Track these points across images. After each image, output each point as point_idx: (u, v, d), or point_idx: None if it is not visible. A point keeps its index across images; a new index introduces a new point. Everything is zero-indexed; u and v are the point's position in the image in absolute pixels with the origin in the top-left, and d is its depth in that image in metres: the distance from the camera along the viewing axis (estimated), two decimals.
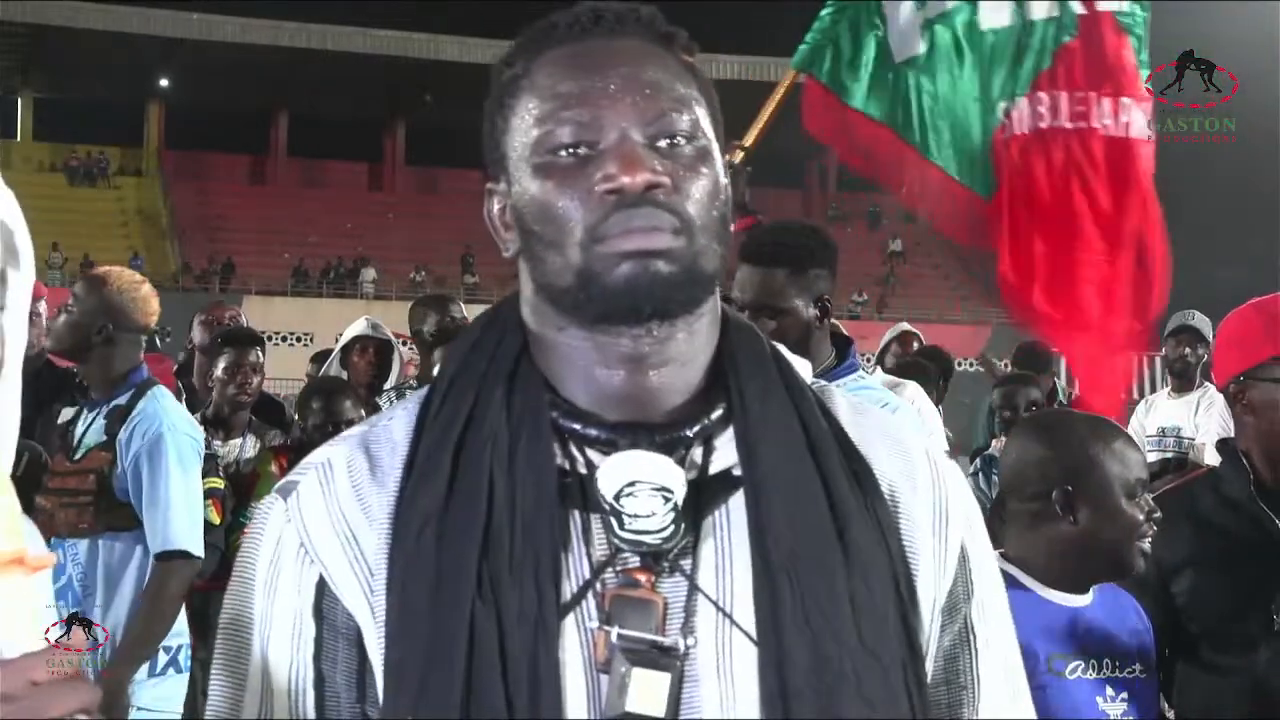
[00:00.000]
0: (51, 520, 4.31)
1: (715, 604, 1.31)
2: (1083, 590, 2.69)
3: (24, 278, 1.33)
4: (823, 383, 1.49)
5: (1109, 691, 2.63)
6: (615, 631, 1.29)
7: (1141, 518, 2.63)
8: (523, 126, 1.37)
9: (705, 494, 1.35)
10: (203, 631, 4.70)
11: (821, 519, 1.34)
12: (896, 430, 1.49)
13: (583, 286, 1.33)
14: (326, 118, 53.91)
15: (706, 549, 1.33)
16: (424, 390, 1.45)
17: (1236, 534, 3.03)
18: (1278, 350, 3.02)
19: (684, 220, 1.31)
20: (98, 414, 4.46)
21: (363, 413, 5.48)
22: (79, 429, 4.48)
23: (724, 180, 1.37)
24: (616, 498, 1.30)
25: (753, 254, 3.60)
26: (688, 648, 1.29)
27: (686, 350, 1.37)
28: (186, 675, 4.47)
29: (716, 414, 1.37)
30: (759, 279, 3.56)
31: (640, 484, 1.30)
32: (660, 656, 1.28)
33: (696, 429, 1.36)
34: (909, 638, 1.36)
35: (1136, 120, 4.12)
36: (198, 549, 4.34)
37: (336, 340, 6.82)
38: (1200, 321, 7.60)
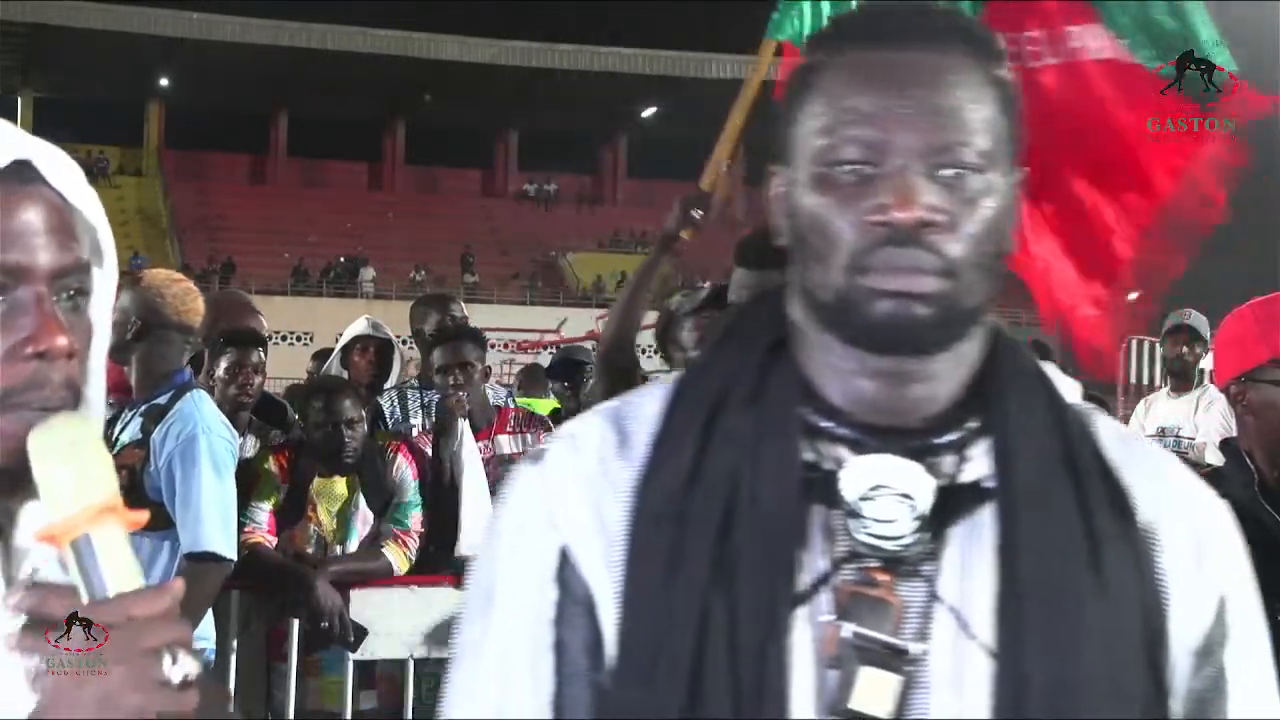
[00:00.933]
0: None
1: (954, 613, 1.29)
2: None
3: (108, 275, 1.40)
4: (1089, 405, 1.44)
5: None
6: (848, 628, 1.27)
7: None
8: (809, 129, 1.33)
9: (954, 502, 1.32)
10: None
11: (1075, 541, 1.30)
12: (1160, 460, 1.43)
13: (841, 311, 1.31)
14: (326, 117, 53.95)
15: (950, 557, 1.31)
16: (683, 370, 1.45)
17: (1240, 534, 3.03)
18: (1275, 353, 3.02)
19: (950, 262, 1.28)
20: (135, 413, 4.46)
21: (363, 412, 5.48)
22: (117, 428, 4.47)
23: (1008, 206, 1.33)
24: (860, 500, 1.29)
25: (748, 257, 3.61)
26: (921, 653, 1.28)
27: (949, 367, 1.34)
28: None
29: (973, 425, 1.35)
30: (754, 281, 3.56)
31: (885, 488, 1.28)
32: (891, 658, 1.27)
33: (951, 438, 1.34)
34: (1155, 675, 1.32)
35: (1088, 43, 4.03)
36: (229, 552, 4.35)
37: (337, 339, 6.82)
38: (1197, 320, 7.60)
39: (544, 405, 6.97)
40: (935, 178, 1.28)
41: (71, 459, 1.24)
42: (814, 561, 1.30)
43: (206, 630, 4.44)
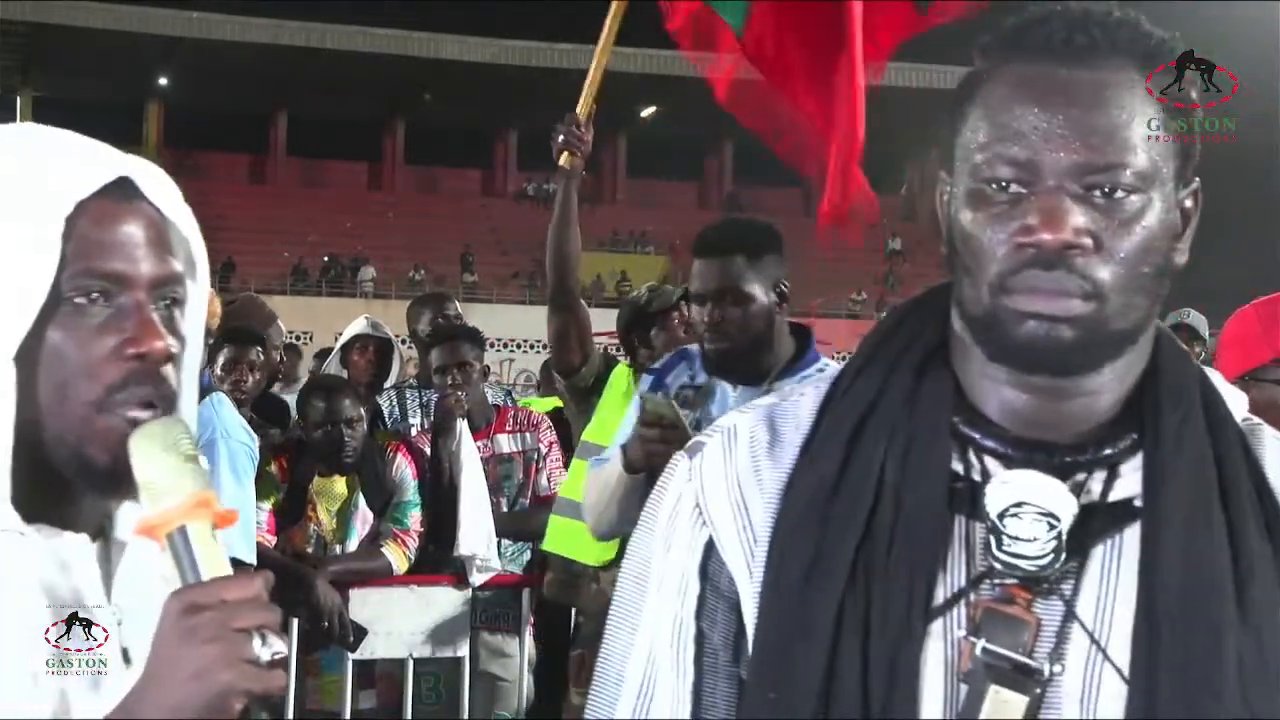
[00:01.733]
0: None
1: (1090, 634, 1.28)
2: None
3: (200, 287, 1.51)
4: (1255, 420, 1.42)
5: None
6: (981, 644, 1.27)
7: None
8: (968, 141, 1.33)
9: (1100, 521, 1.31)
10: None
11: (1220, 567, 1.28)
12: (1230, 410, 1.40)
13: (987, 327, 1.31)
14: (326, 117, 53.86)
15: (1090, 577, 1.30)
16: (837, 369, 1.46)
17: None
18: (1277, 353, 3.02)
19: (1097, 285, 1.27)
20: None
21: (362, 412, 5.47)
22: None
23: (1170, 223, 1.32)
24: (1001, 516, 1.28)
25: (705, 247, 3.67)
26: (1053, 674, 1.27)
27: (1106, 382, 1.33)
28: None
29: (1126, 442, 1.33)
30: (716, 268, 3.61)
31: (1027, 506, 1.27)
32: (1022, 678, 1.26)
33: (1104, 453, 1.33)
34: None
35: None
36: (249, 556, 4.36)
37: (336, 339, 6.82)
38: (1196, 320, 7.60)
39: (543, 404, 6.95)
40: (1087, 199, 1.27)
41: (168, 457, 1.33)
42: (953, 574, 1.30)
43: None
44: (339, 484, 5.40)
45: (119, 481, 1.35)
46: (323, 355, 7.79)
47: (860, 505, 1.31)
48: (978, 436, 1.34)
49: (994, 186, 1.29)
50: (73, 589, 1.39)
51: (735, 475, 1.39)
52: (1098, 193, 1.28)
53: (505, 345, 38.82)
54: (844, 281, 44.06)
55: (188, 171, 51.49)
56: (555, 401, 6.42)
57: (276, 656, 1.28)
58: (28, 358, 1.35)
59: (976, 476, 1.32)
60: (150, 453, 1.33)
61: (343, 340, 6.81)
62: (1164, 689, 1.24)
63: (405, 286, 41.69)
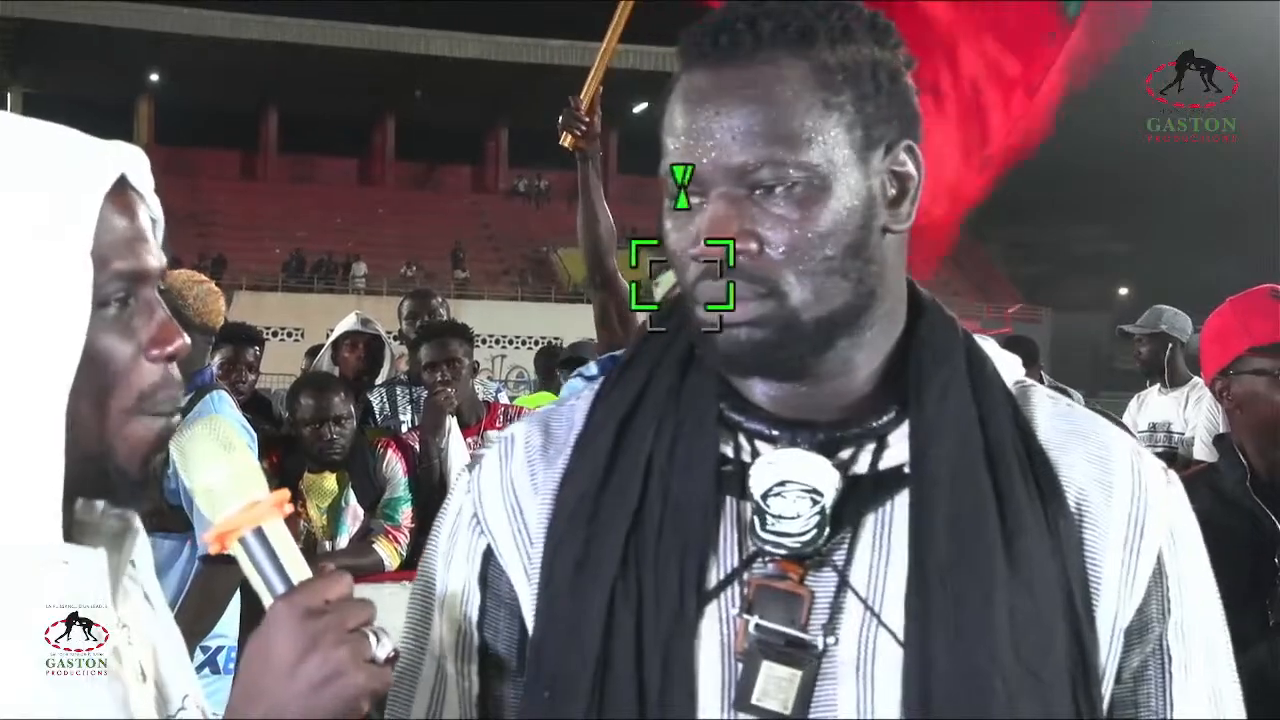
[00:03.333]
0: None
1: (864, 602, 1.29)
2: None
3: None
4: (1028, 381, 1.43)
5: None
6: (754, 621, 1.27)
7: None
8: (664, 152, 1.33)
9: (870, 490, 1.31)
10: None
11: (987, 526, 1.28)
12: (1101, 436, 1.40)
13: (698, 341, 1.33)
14: (316, 113, 53.84)
15: (863, 546, 1.30)
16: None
17: (1230, 529, 3.02)
18: (1254, 341, 3.03)
19: (770, 283, 1.27)
20: None
21: (351, 408, 5.47)
22: None
23: (862, 201, 1.29)
24: (765, 496, 1.29)
25: None
26: (827, 645, 1.27)
27: (850, 362, 1.34)
28: (227, 678, 4.45)
29: (890, 413, 1.34)
30: None
31: (791, 484, 1.28)
32: (795, 652, 1.26)
33: (868, 427, 1.33)
34: (1083, 657, 1.29)
35: None
36: None
37: (327, 335, 6.82)
38: (1151, 317, 7.73)
39: (536, 400, 6.95)
40: (750, 199, 1.27)
41: (226, 459, 1.30)
42: (726, 555, 1.30)
43: (226, 627, 4.43)
44: (329, 480, 5.39)
45: (146, 490, 1.33)
46: (316, 352, 7.79)
47: (629, 495, 1.31)
48: (743, 420, 1.34)
49: (674, 198, 1.30)
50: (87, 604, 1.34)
51: (510, 481, 1.39)
52: (759, 190, 1.27)
53: (497, 342, 38.83)
54: None
55: (178, 168, 51.44)
56: (550, 397, 6.42)
57: (391, 655, 1.27)
58: None
59: (746, 458, 1.33)
60: (204, 457, 1.30)
61: (333, 337, 6.81)
62: (938, 648, 1.24)
63: (396, 283, 41.67)
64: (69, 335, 1.24)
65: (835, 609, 1.28)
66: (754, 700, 1.25)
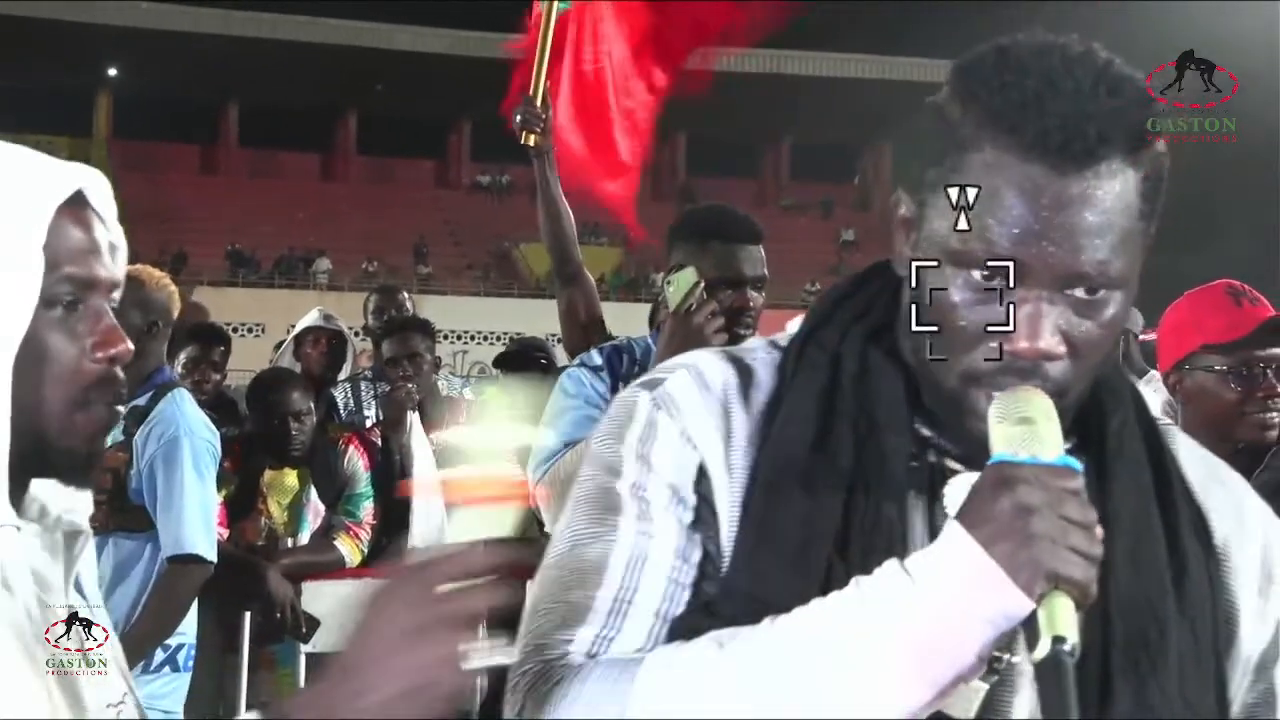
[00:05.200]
0: None
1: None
2: None
3: (118, 291, 1.56)
4: (1166, 422, 1.49)
5: None
6: None
7: None
8: (948, 214, 1.32)
9: None
10: None
11: (1161, 563, 1.34)
12: (1230, 478, 1.49)
13: (951, 406, 1.37)
14: (277, 107, 53.57)
15: None
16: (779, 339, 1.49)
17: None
18: (1206, 338, 3.06)
19: (1064, 385, 1.32)
20: None
21: (311, 404, 5.46)
22: None
23: (1130, 304, 1.35)
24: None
25: (752, 234, 3.64)
26: (1011, 663, 1.30)
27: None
28: (186, 676, 4.44)
29: (1071, 442, 1.35)
30: (758, 254, 3.64)
31: None
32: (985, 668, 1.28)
33: None
34: (1220, 689, 1.37)
35: None
36: (210, 554, 4.33)
37: (289, 331, 6.81)
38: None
39: (493, 395, 6.94)
40: (1067, 299, 1.30)
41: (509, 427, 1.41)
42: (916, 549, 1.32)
43: (186, 626, 4.42)
44: (290, 477, 5.38)
45: (91, 470, 1.47)
46: (278, 348, 7.78)
47: (840, 475, 1.34)
48: (932, 436, 1.37)
49: (976, 273, 1.30)
50: (46, 579, 1.45)
51: (714, 410, 1.40)
52: (1080, 291, 1.30)
53: (459, 337, 38.73)
54: (797, 272, 44.14)
55: (138, 162, 51.13)
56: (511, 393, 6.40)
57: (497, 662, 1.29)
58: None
59: (931, 459, 1.37)
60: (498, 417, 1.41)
61: (295, 332, 6.79)
62: (1116, 683, 1.30)
63: (359, 278, 41.52)
64: (11, 327, 1.38)
65: (1014, 630, 1.29)
66: (946, 709, 1.27)
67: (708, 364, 1.45)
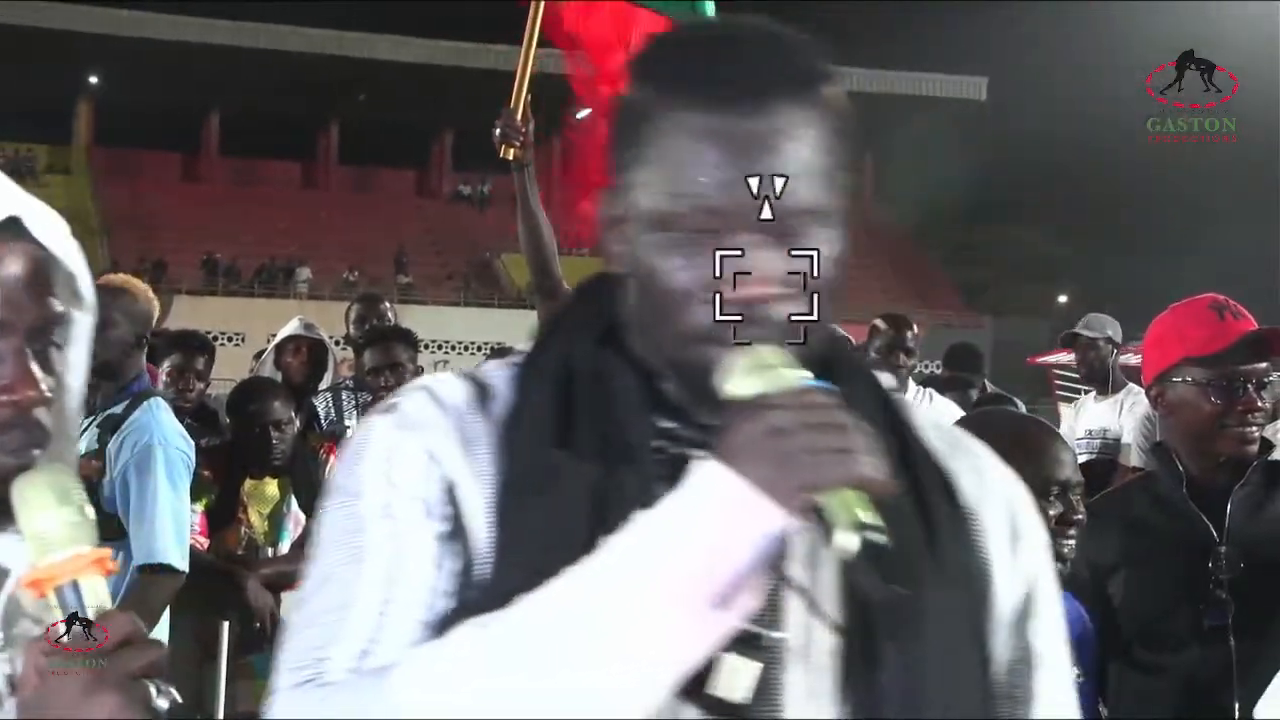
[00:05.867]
0: None
1: (805, 595, 1.34)
2: None
3: (86, 315, 1.53)
4: (900, 394, 1.52)
5: None
6: None
7: (1050, 515, 2.63)
8: (652, 182, 1.35)
9: None
10: None
11: (912, 525, 1.35)
12: (971, 445, 1.52)
13: (689, 373, 1.37)
14: (259, 116, 53.52)
15: (798, 543, 1.34)
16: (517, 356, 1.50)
17: (1167, 534, 3.07)
18: (1188, 351, 3.07)
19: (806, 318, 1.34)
20: (92, 422, 4.43)
21: (292, 413, 5.45)
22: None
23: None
24: None
25: None
26: (776, 638, 1.31)
27: None
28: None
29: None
30: None
31: None
32: (748, 643, 1.29)
33: None
34: (982, 647, 1.41)
35: None
36: (182, 564, 4.32)
37: (270, 340, 6.80)
38: (1094, 323, 7.77)
39: None
40: (782, 243, 1.32)
41: (61, 510, 1.34)
42: None
43: (158, 635, 4.40)
44: (270, 486, 5.37)
45: (3, 512, 1.38)
46: (259, 357, 7.78)
47: (586, 472, 1.34)
48: (674, 427, 1.39)
49: (682, 235, 1.32)
50: None
51: (450, 425, 1.40)
52: (788, 230, 1.32)
53: (440, 347, 38.70)
54: None
55: (119, 170, 51.07)
56: None
57: (172, 704, 1.31)
58: None
59: (674, 450, 1.37)
60: (40, 503, 1.33)
61: (276, 341, 6.79)
62: (881, 643, 1.32)
63: (340, 288, 41.50)
64: None
65: (776, 603, 1.33)
66: (712, 690, 1.28)
67: (442, 383, 1.45)
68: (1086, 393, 7.95)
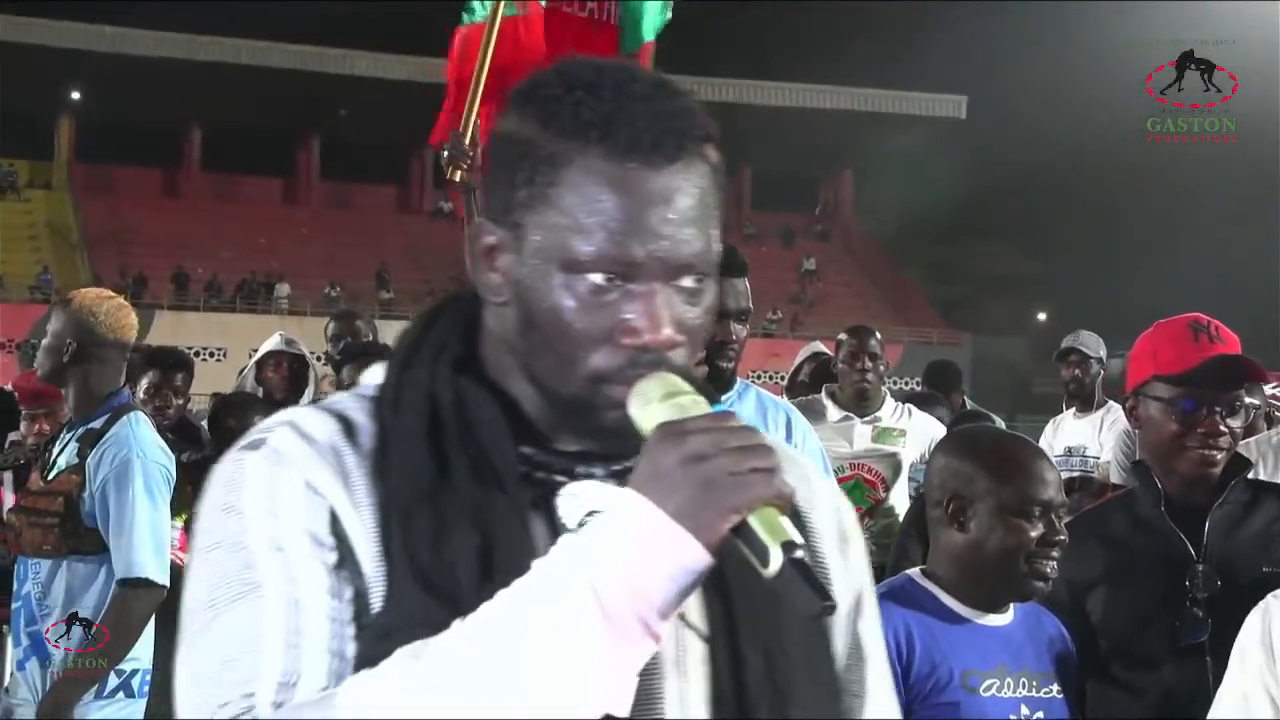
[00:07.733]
0: (18, 538, 4.35)
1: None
2: (998, 608, 2.70)
3: None
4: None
5: (1024, 711, 2.63)
6: None
7: (1032, 536, 2.64)
8: (557, 223, 1.37)
9: None
10: None
11: None
12: (796, 456, 1.60)
13: (577, 411, 1.43)
14: (239, 132, 53.47)
15: None
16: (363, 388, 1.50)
17: (1144, 552, 3.07)
18: (1159, 369, 3.09)
19: (682, 370, 1.38)
20: (73, 436, 4.43)
21: None
22: (55, 449, 4.47)
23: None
24: (578, 525, 1.37)
25: (730, 265, 3.66)
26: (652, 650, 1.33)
27: None
28: (141, 701, 4.40)
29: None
30: (744, 287, 3.66)
31: (597, 513, 1.33)
32: None
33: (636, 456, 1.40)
34: (827, 643, 1.50)
35: None
36: (162, 578, 4.29)
37: (250, 356, 6.80)
38: (1086, 341, 7.77)
39: None
40: (678, 290, 1.39)
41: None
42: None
43: (141, 650, 4.38)
44: None
45: None
46: (240, 372, 7.78)
47: (464, 499, 1.37)
48: (534, 454, 1.43)
49: (591, 279, 1.36)
50: None
51: (324, 457, 1.40)
52: (687, 280, 1.38)
53: None
54: (759, 300, 44.24)
55: (99, 185, 50.95)
56: None
57: None
58: None
59: (540, 475, 1.42)
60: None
61: (257, 356, 6.78)
62: (744, 644, 1.40)
63: (320, 303, 41.44)
64: None
65: None
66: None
67: (303, 417, 1.46)
68: (1066, 408, 7.97)
